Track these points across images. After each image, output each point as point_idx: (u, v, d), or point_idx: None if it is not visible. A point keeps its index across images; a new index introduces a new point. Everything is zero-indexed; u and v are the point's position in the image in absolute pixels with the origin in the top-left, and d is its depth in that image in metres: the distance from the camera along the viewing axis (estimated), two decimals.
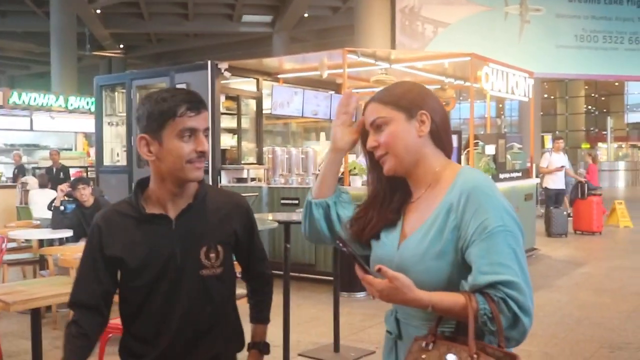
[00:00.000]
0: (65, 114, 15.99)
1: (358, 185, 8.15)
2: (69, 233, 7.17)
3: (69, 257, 5.97)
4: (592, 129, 41.95)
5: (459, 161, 7.36)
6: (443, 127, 1.82)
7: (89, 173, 14.19)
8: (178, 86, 9.55)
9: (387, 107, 1.78)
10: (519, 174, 10.58)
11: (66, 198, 7.78)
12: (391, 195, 1.87)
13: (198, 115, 1.89)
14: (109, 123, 10.99)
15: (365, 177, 9.01)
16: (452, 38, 18.63)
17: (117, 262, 1.94)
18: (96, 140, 11.26)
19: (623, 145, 38.69)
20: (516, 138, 12.95)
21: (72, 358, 1.94)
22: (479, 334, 1.57)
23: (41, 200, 9.88)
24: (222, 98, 9.78)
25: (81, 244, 7.06)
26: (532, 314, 1.58)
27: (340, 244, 1.69)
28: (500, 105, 34.79)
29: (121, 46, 35.79)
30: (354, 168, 8.26)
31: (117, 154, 11.02)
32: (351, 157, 8.55)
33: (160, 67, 10.79)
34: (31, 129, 15.65)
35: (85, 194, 7.40)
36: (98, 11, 29.67)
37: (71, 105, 16.18)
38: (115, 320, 2.23)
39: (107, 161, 10.96)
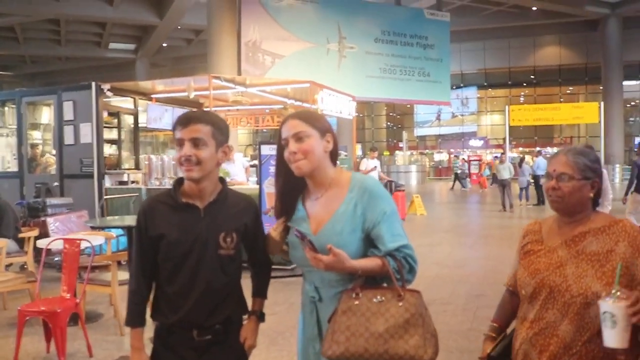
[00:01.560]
0: None
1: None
2: None
3: None
4: (390, 140, 44.07)
5: None
6: (336, 149, 2.09)
7: None
8: (64, 103, 9.12)
9: (308, 125, 1.99)
10: None
11: None
12: (291, 194, 2.11)
13: (185, 129, 1.97)
14: (0, 134, 10.21)
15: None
16: (286, 67, 18.80)
17: (159, 238, 2.01)
18: None
19: (414, 153, 41.18)
20: (342, 147, 13.45)
21: (135, 320, 2.09)
22: (382, 281, 1.97)
23: None
24: (105, 114, 9.42)
25: None
26: (418, 262, 1.98)
27: (299, 235, 1.91)
28: None
29: None
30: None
31: (8, 162, 10.26)
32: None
33: (48, 87, 10.11)
34: None
35: None
36: None
37: None
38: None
39: None
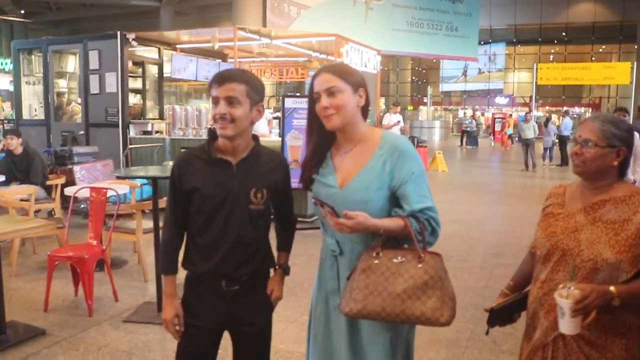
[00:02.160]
0: None
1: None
2: (1, 178, 6.80)
3: (8, 198, 5.73)
4: (415, 94, 43.60)
5: None
6: (368, 104, 2.06)
7: (4, 125, 13.24)
8: (90, 52, 9.17)
9: (340, 79, 1.97)
10: None
11: None
12: (322, 148, 2.08)
13: (221, 87, 2.01)
14: (26, 82, 10.31)
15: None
16: (312, 19, 18.59)
17: (193, 190, 2.08)
18: (15, 97, 10.53)
19: (438, 109, 40.75)
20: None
21: (168, 267, 2.19)
22: (403, 242, 1.98)
23: None
24: (130, 63, 9.46)
25: (12, 187, 6.74)
26: (441, 224, 2.00)
27: (316, 202, 1.94)
28: None
29: (22, 12, 32.96)
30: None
31: (35, 109, 10.40)
32: None
33: (74, 36, 10.16)
34: None
35: (13, 144, 7.03)
36: None
37: None
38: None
39: (25, 115, 10.32)
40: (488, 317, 2.15)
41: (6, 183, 6.85)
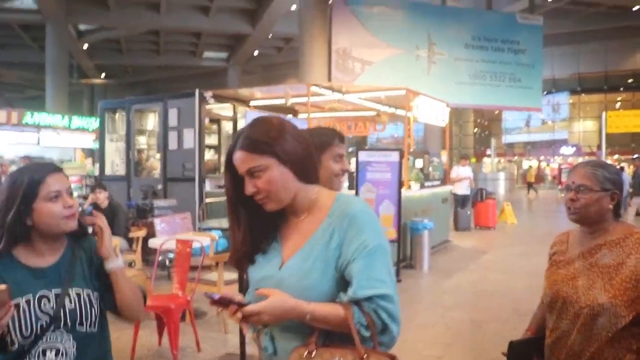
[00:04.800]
0: (67, 132, 15.63)
1: (416, 189, 8.91)
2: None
3: None
4: (477, 146, 43.07)
5: (400, 173, 7.57)
6: (309, 162, 1.61)
7: (87, 180, 13.86)
8: (170, 110, 9.54)
9: (260, 155, 1.52)
10: (438, 182, 10.92)
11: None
12: (263, 226, 1.64)
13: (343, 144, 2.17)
14: (110, 139, 10.81)
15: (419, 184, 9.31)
16: (375, 74, 18.85)
17: None
18: (99, 154, 11.03)
19: (502, 160, 40.04)
20: (435, 154, 13.32)
21: None
22: (348, 340, 1.46)
23: None
24: (206, 120, 9.80)
25: None
26: (400, 321, 1.49)
27: (210, 300, 1.47)
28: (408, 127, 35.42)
29: (102, 75, 35.00)
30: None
31: (117, 165, 10.85)
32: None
33: (155, 95, 10.64)
34: (38, 144, 15.20)
35: (100, 198, 7.31)
36: (86, 46, 28.98)
37: (74, 124, 15.82)
38: None
39: (108, 171, 10.77)
40: (507, 350, 2.13)
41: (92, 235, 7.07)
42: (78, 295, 1.83)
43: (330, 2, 18.62)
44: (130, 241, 7.27)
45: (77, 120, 15.88)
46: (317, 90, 9.16)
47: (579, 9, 28.45)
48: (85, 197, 8.60)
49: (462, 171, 13.09)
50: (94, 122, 15.94)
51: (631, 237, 1.94)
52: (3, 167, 11.40)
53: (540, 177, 38.84)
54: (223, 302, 1.45)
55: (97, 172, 12.05)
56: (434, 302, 6.75)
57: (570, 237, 2.16)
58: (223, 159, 10.49)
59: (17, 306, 1.71)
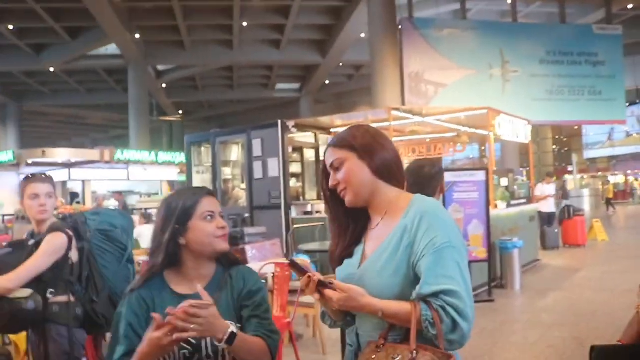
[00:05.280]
0: (154, 166, 16.43)
1: (503, 207, 8.99)
2: None
3: None
4: (557, 164, 41.78)
5: (487, 192, 7.53)
6: (392, 163, 1.71)
7: None
8: (253, 141, 9.88)
9: (341, 149, 1.70)
10: (524, 200, 10.73)
11: None
12: (354, 227, 1.74)
13: None
14: (196, 172, 11.28)
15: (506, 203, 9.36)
16: (449, 96, 18.75)
17: None
18: (187, 184, 11.52)
19: (585, 177, 38.64)
20: (519, 172, 13.10)
21: None
22: (426, 338, 1.49)
23: (146, 232, 10.14)
24: (289, 149, 10.07)
25: None
26: (472, 319, 1.49)
27: (291, 265, 1.63)
28: (482, 148, 34.86)
29: (180, 112, 36.45)
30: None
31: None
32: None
33: (238, 127, 11.05)
34: (128, 179, 16.02)
35: None
36: (164, 85, 30.39)
37: (160, 158, 16.63)
38: None
39: None
40: (589, 356, 1.99)
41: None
42: None
43: (399, 27, 18.75)
44: None
45: (164, 155, 16.69)
46: (398, 114, 9.26)
47: None
48: None
49: (547, 189, 12.80)
50: (178, 156, 16.64)
51: None
52: (99, 201, 12.09)
53: (628, 192, 37.18)
54: (300, 269, 1.58)
55: None
56: (531, 321, 6.61)
57: None
58: (307, 186, 10.80)
59: None
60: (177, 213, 1.85)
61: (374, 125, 9.71)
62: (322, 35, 25.36)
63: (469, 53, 19.53)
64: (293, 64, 29.09)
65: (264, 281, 7.61)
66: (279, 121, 9.56)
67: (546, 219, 12.82)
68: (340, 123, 10.66)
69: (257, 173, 9.87)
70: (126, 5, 20.41)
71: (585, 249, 12.73)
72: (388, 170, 1.70)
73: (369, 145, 1.68)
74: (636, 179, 38.68)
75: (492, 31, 20.23)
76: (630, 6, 23.67)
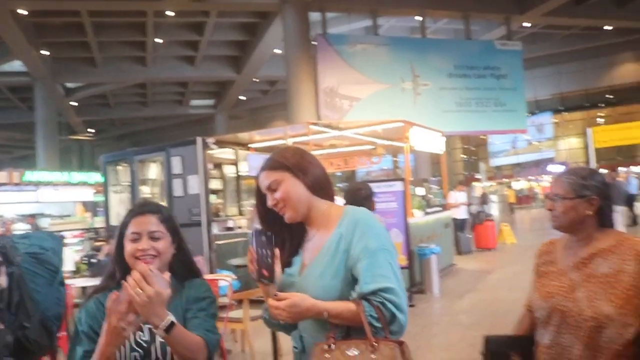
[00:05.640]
0: (67, 187, 15.84)
1: (420, 216, 9.22)
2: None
3: None
4: (467, 172, 43.48)
5: (405, 201, 7.84)
6: (322, 179, 1.86)
7: (89, 233, 13.97)
8: (172, 158, 9.76)
9: (276, 171, 1.82)
10: (440, 208, 11.18)
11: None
12: (290, 240, 1.88)
13: None
14: (114, 191, 11.00)
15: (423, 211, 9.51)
16: (363, 109, 19.20)
17: None
18: (105, 206, 11.20)
19: (493, 183, 40.49)
20: (433, 181, 13.63)
21: None
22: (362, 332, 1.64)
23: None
24: (210, 166, 10.03)
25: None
26: (407, 312, 1.67)
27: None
28: (395, 159, 35.81)
29: (90, 130, 35.27)
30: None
31: (122, 215, 10.95)
32: None
33: (156, 145, 10.85)
34: (37, 201, 15.35)
35: (106, 250, 7.53)
36: (73, 103, 29.34)
37: (74, 179, 16.05)
38: None
39: (113, 221, 10.92)
40: (483, 347, 2.10)
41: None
42: None
43: (314, 43, 19.09)
44: None
45: (77, 175, 16.15)
46: (316, 129, 9.47)
47: (554, 32, 29.34)
48: (96, 250, 8.74)
49: (460, 196, 13.37)
50: (93, 176, 16.16)
51: (624, 243, 1.92)
52: (7, 226, 11.56)
53: (531, 197, 39.33)
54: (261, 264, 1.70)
55: (99, 224, 12.16)
56: (451, 322, 6.94)
57: (558, 246, 2.14)
58: (227, 202, 10.77)
59: None
60: (118, 232, 1.97)
61: (293, 140, 9.92)
62: (237, 51, 25.38)
63: (381, 68, 20.14)
64: (208, 80, 28.92)
65: None
66: (199, 138, 9.52)
67: (460, 225, 13.38)
68: (259, 138, 10.73)
69: (177, 191, 9.75)
70: (33, 21, 19.59)
71: (496, 252, 13.39)
72: (320, 185, 1.85)
73: (300, 164, 1.83)
74: (538, 184, 40.98)
75: (403, 46, 21.00)
76: (526, 24, 25.25)
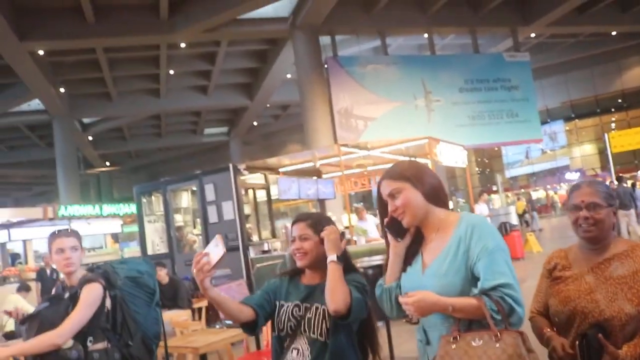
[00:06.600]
0: (98, 220, 16.21)
1: (362, 242, 8.89)
2: None
3: (177, 320, 6.43)
4: (482, 185, 43.53)
5: None
6: (435, 189, 2.08)
7: None
8: (206, 186, 10.10)
9: (396, 181, 2.05)
10: None
11: None
12: (410, 243, 2.11)
13: None
14: (148, 221, 11.35)
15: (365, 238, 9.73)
16: (378, 129, 19.39)
17: None
18: (140, 235, 11.55)
19: (509, 194, 40.56)
20: (460, 194, 13.85)
21: None
22: (483, 325, 1.85)
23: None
24: (242, 191, 10.35)
25: (168, 312, 7.41)
26: (524, 304, 1.86)
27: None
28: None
29: (107, 163, 35.78)
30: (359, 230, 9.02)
31: (157, 244, 11.33)
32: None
33: (189, 173, 11.22)
34: None
35: (162, 275, 7.81)
36: (90, 137, 29.88)
37: (105, 211, 16.44)
38: None
39: (149, 251, 11.26)
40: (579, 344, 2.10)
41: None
42: (317, 308, 2.37)
43: (325, 66, 19.45)
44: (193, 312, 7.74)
45: (108, 208, 16.52)
46: (347, 150, 9.79)
47: (560, 41, 29.62)
48: None
49: (483, 208, 13.59)
50: (124, 208, 16.52)
51: (636, 248, 2.05)
52: (45, 260, 11.98)
53: (549, 205, 39.29)
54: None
55: (127, 254, 12.44)
56: None
57: (569, 254, 2.22)
58: (260, 226, 11.06)
59: (282, 306, 2.46)
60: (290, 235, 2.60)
61: (324, 161, 10.22)
62: (249, 78, 25.79)
63: (393, 86, 20.45)
64: (221, 108, 29.36)
65: None
66: (230, 165, 9.87)
67: None
68: (288, 162, 11.06)
69: (212, 217, 10.08)
70: (50, 60, 20.17)
71: (524, 261, 13.54)
72: (436, 194, 2.09)
73: (418, 175, 2.06)
74: (555, 193, 40.99)
75: (413, 64, 21.38)
76: (533, 35, 25.60)
